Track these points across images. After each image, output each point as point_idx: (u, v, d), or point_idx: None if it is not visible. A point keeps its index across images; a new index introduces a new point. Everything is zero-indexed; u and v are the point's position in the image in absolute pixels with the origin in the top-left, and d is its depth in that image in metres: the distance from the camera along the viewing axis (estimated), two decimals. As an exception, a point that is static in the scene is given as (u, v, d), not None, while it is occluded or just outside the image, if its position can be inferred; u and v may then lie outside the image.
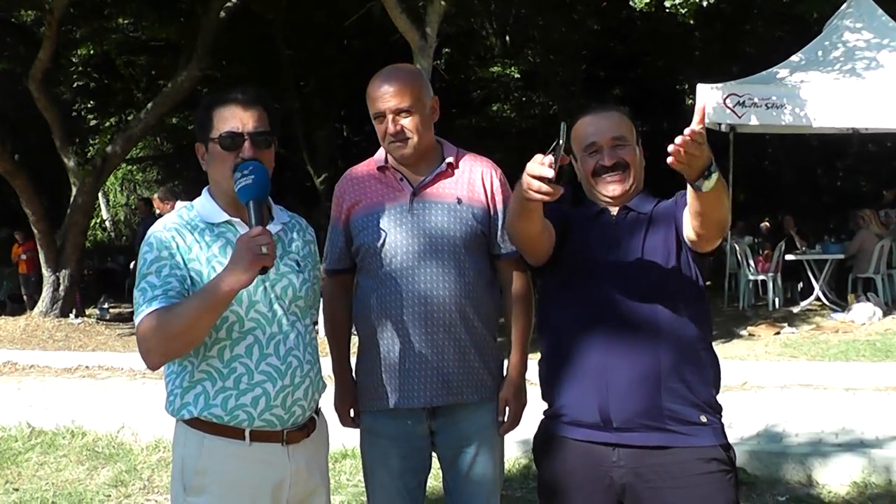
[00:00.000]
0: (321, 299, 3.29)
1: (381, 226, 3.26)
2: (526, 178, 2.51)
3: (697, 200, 2.63)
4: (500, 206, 3.33)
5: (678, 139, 2.42)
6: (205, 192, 2.93)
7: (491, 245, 3.35)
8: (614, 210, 2.98)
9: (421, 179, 3.30)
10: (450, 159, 3.33)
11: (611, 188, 2.93)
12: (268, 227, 2.67)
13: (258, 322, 2.78)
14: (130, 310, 17.99)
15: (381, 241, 3.25)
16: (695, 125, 2.45)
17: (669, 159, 2.45)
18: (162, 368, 2.84)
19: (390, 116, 3.21)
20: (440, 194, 3.29)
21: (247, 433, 2.78)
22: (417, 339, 3.21)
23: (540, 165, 2.46)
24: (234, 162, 2.75)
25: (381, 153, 3.39)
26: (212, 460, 2.79)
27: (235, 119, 2.79)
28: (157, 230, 2.81)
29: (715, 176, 2.55)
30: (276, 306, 2.81)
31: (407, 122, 3.21)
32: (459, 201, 3.28)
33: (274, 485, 2.83)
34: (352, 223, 3.35)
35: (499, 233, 3.33)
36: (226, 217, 2.84)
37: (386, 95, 3.21)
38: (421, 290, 3.21)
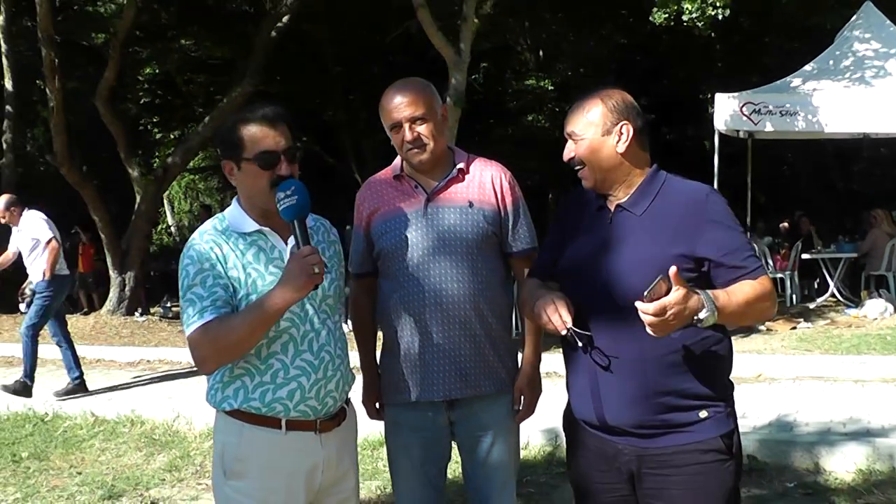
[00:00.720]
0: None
1: (398, 230, 3.26)
2: (543, 318, 2.69)
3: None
4: (510, 208, 3.32)
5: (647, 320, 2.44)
6: (234, 203, 2.92)
7: (503, 244, 3.34)
8: (612, 207, 2.84)
9: (434, 185, 3.30)
10: (461, 165, 3.33)
11: (583, 182, 2.87)
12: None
13: (292, 321, 2.80)
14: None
15: (399, 245, 3.25)
16: (643, 306, 2.43)
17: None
18: None
19: (407, 125, 3.22)
20: (453, 198, 3.28)
21: (283, 423, 2.80)
22: (436, 335, 3.22)
23: (559, 324, 2.65)
24: (270, 179, 2.76)
25: (396, 163, 3.40)
26: (250, 448, 2.81)
27: (268, 138, 2.78)
28: (196, 242, 2.83)
29: (710, 319, 2.51)
30: (307, 306, 2.82)
31: (423, 128, 3.22)
32: (471, 204, 3.27)
33: (308, 470, 2.85)
34: (372, 229, 3.35)
35: (510, 232, 3.33)
36: (256, 227, 2.84)
37: (401, 106, 3.23)
38: (437, 289, 3.21)
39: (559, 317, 2.66)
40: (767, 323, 11.74)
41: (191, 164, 22.53)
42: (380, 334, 3.49)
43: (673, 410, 2.69)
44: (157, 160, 25.96)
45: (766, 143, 15.61)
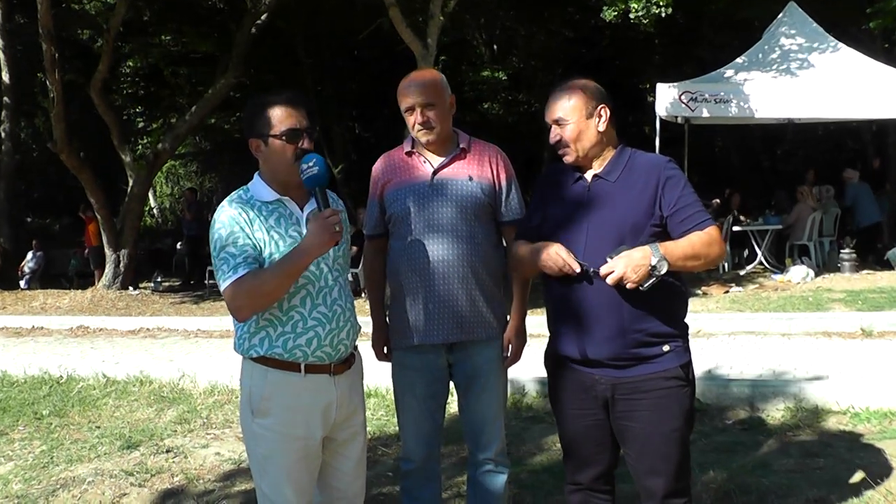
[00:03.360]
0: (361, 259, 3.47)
1: (408, 198, 3.46)
2: (549, 264, 2.96)
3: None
4: (503, 183, 3.54)
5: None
6: (256, 177, 3.04)
7: (497, 213, 3.55)
8: (588, 177, 3.12)
9: (440, 161, 3.50)
10: (463, 145, 3.54)
11: (566, 159, 3.13)
12: (307, 207, 2.92)
13: (308, 278, 2.93)
14: (178, 282, 18.20)
15: (408, 211, 3.45)
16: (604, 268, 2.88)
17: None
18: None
19: (419, 109, 3.42)
20: (455, 173, 3.49)
21: (302, 367, 2.94)
22: (437, 288, 3.41)
23: (573, 264, 2.92)
24: (294, 152, 2.92)
25: (407, 142, 3.59)
26: (274, 389, 2.94)
27: (293, 118, 2.93)
28: (225, 210, 2.94)
29: (662, 264, 2.86)
30: (322, 265, 2.97)
31: (432, 113, 3.42)
32: (471, 178, 3.48)
33: (324, 407, 2.99)
34: (385, 197, 3.54)
35: (503, 203, 3.54)
36: (277, 196, 2.98)
37: (415, 92, 3.43)
38: (440, 249, 3.41)
39: (570, 259, 2.94)
40: (703, 288, 12.06)
41: (173, 150, 22.32)
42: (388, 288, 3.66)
43: (642, 346, 2.99)
44: (141, 147, 25.73)
45: (700, 128, 15.85)
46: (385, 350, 3.67)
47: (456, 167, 3.50)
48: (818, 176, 15.69)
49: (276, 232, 2.93)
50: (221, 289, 2.89)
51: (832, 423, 5.52)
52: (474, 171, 3.50)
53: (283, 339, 2.92)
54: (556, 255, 2.96)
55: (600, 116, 3.09)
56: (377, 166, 3.64)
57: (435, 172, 3.48)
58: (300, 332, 2.93)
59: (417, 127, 3.45)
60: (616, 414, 3.06)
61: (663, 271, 2.86)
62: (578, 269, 2.93)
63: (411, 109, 3.45)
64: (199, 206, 20.71)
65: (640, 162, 3.11)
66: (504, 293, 3.63)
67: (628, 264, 2.83)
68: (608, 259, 2.86)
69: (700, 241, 2.96)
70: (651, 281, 2.85)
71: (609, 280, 2.84)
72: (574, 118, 3.08)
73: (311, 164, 2.87)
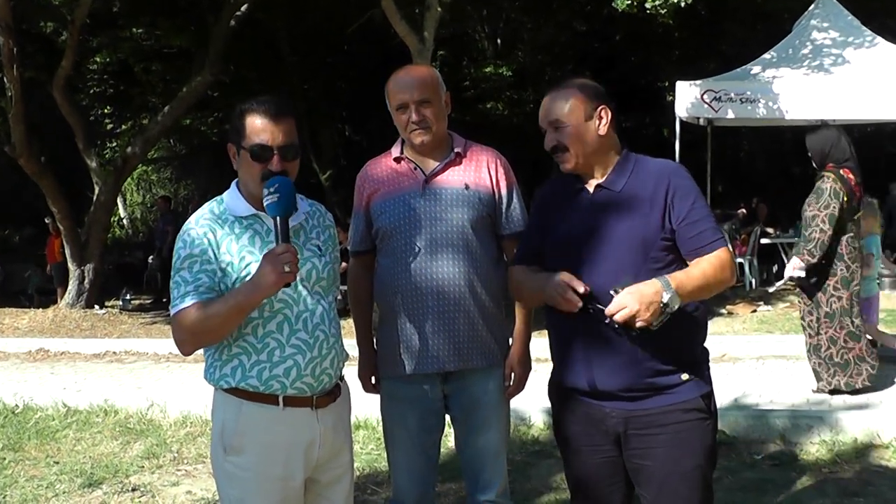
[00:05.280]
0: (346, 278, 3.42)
1: (397, 210, 3.41)
2: (557, 299, 2.89)
3: None
4: (504, 191, 3.49)
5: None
6: (233, 186, 3.01)
7: (496, 226, 3.50)
8: (591, 187, 3.06)
9: (433, 167, 3.45)
10: (458, 149, 3.49)
11: (563, 166, 3.07)
12: (291, 221, 2.85)
13: (286, 302, 2.89)
14: (150, 300, 18.10)
15: (397, 224, 3.40)
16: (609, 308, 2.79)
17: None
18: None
19: (413, 106, 3.37)
20: (449, 181, 3.44)
21: (280, 399, 2.89)
22: (431, 311, 3.36)
23: (573, 300, 2.85)
24: (261, 171, 2.87)
25: (396, 146, 3.53)
26: (249, 424, 2.89)
27: (266, 132, 2.87)
28: (191, 226, 2.91)
29: (674, 300, 2.80)
30: (300, 287, 2.92)
31: (428, 111, 3.38)
32: (467, 187, 3.43)
33: (305, 445, 2.94)
34: (372, 209, 3.49)
35: (503, 214, 3.49)
36: (253, 211, 2.94)
37: (409, 87, 3.38)
38: (433, 267, 3.36)
39: (573, 294, 2.87)
40: (728, 306, 12.02)
41: (144, 155, 22.32)
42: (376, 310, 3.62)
43: (658, 374, 2.93)
44: (110, 151, 25.72)
45: (724, 131, 15.86)
46: (373, 380, 3.62)
47: (450, 174, 3.46)
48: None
49: (248, 252, 2.89)
50: (171, 316, 2.88)
51: (873, 458, 5.49)
52: (471, 178, 3.46)
53: (258, 369, 2.88)
54: (555, 291, 2.92)
55: (601, 118, 3.04)
56: (362, 175, 3.59)
57: (427, 180, 3.43)
58: (277, 360, 2.88)
59: (412, 126, 3.39)
60: (629, 451, 3.01)
61: (675, 308, 2.80)
62: (579, 306, 2.87)
63: (404, 107, 3.40)
64: (174, 215, 20.68)
65: (647, 168, 3.06)
66: (505, 315, 3.58)
67: (641, 301, 2.75)
68: (612, 293, 2.78)
69: (713, 270, 2.92)
70: (661, 318, 2.79)
71: (618, 317, 2.76)
72: (571, 121, 3.02)
73: (272, 189, 2.79)
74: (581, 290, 2.85)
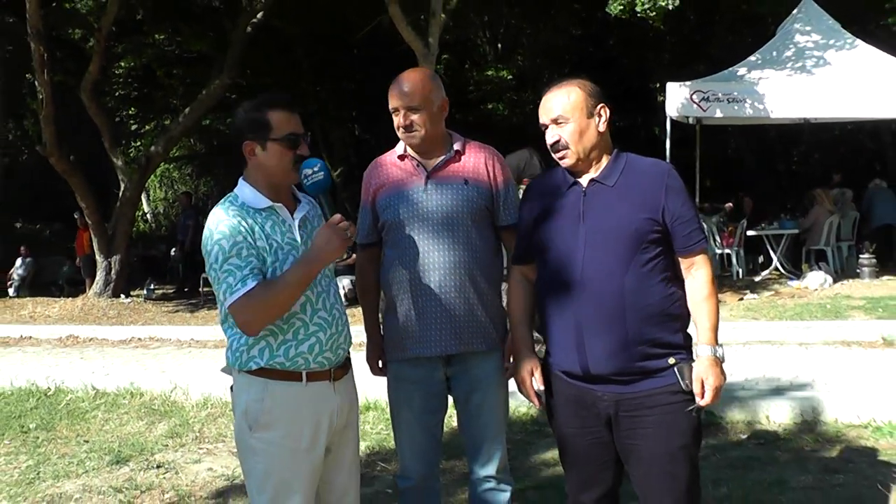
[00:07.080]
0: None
1: (401, 204, 3.42)
2: (520, 383, 3.19)
3: None
4: (501, 186, 3.49)
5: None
6: (242, 183, 3.01)
7: (495, 218, 3.50)
8: (584, 182, 3.04)
9: (434, 164, 3.45)
10: (457, 147, 3.49)
11: (564, 162, 3.06)
12: (297, 214, 2.96)
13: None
14: (172, 290, 18.17)
15: (402, 217, 3.41)
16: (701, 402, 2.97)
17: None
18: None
19: (402, 112, 3.39)
20: (450, 176, 3.44)
21: (304, 375, 2.94)
22: (433, 298, 3.37)
23: (530, 393, 3.14)
24: (293, 158, 2.93)
25: (400, 145, 3.54)
26: (275, 401, 2.92)
27: (292, 122, 2.95)
28: (222, 219, 2.89)
29: (721, 352, 3.03)
30: None
31: (416, 117, 3.38)
32: (466, 182, 3.43)
33: (328, 415, 3.00)
34: (377, 203, 3.50)
35: (501, 207, 3.49)
36: (269, 203, 2.95)
37: (399, 94, 3.40)
38: (436, 257, 3.37)
39: (533, 390, 3.14)
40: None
41: (167, 153, 22.35)
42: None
43: (647, 358, 2.93)
44: (134, 150, 25.74)
45: (712, 129, 15.83)
46: (380, 364, 3.63)
47: (451, 170, 3.46)
48: (842, 179, 15.64)
49: (273, 240, 2.92)
50: (228, 303, 2.85)
51: (852, 438, 5.48)
52: (470, 173, 3.46)
53: (285, 348, 2.92)
54: (519, 377, 3.18)
55: (600, 116, 3.03)
56: (368, 171, 3.60)
57: (429, 176, 3.44)
58: (302, 338, 2.94)
59: (400, 130, 3.42)
60: (620, 433, 3.01)
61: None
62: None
63: (395, 111, 3.43)
64: (195, 210, 20.71)
65: (638, 165, 3.06)
66: (504, 301, 3.57)
67: (718, 386, 2.96)
68: (682, 384, 2.93)
69: (711, 289, 3.03)
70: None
71: (708, 400, 2.94)
72: (575, 116, 3.01)
73: (315, 168, 2.89)
74: (538, 387, 3.12)
